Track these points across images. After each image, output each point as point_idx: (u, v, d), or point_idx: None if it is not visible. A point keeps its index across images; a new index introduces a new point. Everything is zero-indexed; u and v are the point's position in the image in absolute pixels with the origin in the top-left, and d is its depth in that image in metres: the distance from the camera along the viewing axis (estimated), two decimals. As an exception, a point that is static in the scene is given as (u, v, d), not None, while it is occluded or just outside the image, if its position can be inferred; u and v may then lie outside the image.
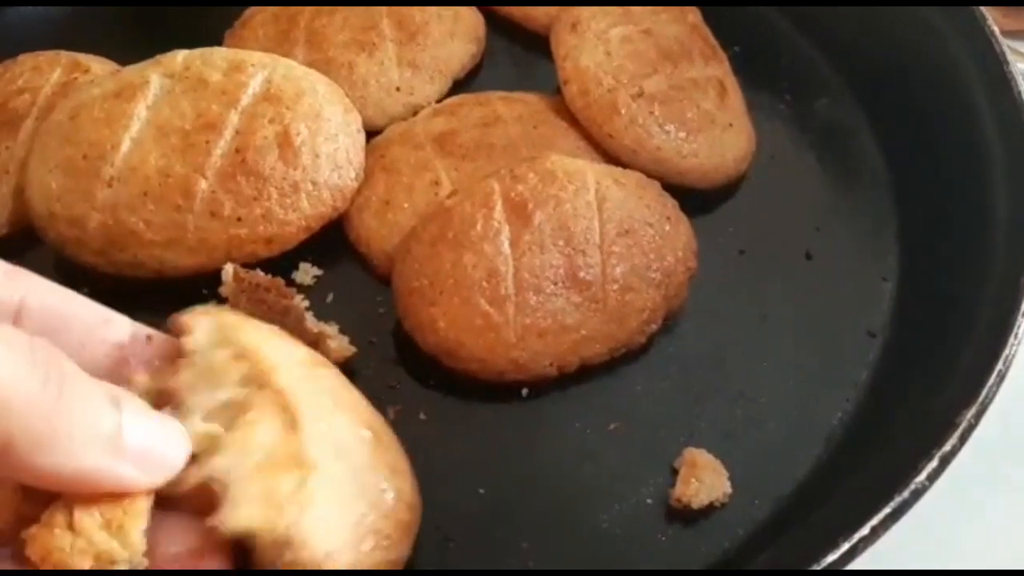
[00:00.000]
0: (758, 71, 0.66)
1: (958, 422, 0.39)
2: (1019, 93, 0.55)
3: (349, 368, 0.48)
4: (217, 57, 0.55)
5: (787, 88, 0.65)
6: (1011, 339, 0.41)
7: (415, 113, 0.61)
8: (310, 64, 0.60)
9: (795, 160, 0.62)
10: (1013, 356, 0.42)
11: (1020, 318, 0.43)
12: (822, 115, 0.64)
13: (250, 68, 0.55)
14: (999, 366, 0.40)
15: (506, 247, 0.50)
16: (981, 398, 0.40)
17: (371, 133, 0.59)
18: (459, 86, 0.64)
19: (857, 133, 0.63)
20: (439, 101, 0.62)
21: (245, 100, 0.53)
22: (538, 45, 0.65)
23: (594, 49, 0.59)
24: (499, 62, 0.67)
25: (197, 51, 0.56)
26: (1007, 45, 0.72)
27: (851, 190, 0.60)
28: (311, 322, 0.49)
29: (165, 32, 0.67)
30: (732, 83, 0.62)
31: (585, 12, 0.61)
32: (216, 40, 0.64)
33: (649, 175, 0.56)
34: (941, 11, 0.60)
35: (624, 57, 0.59)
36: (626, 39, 0.60)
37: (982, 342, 0.44)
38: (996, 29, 0.58)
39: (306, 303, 0.49)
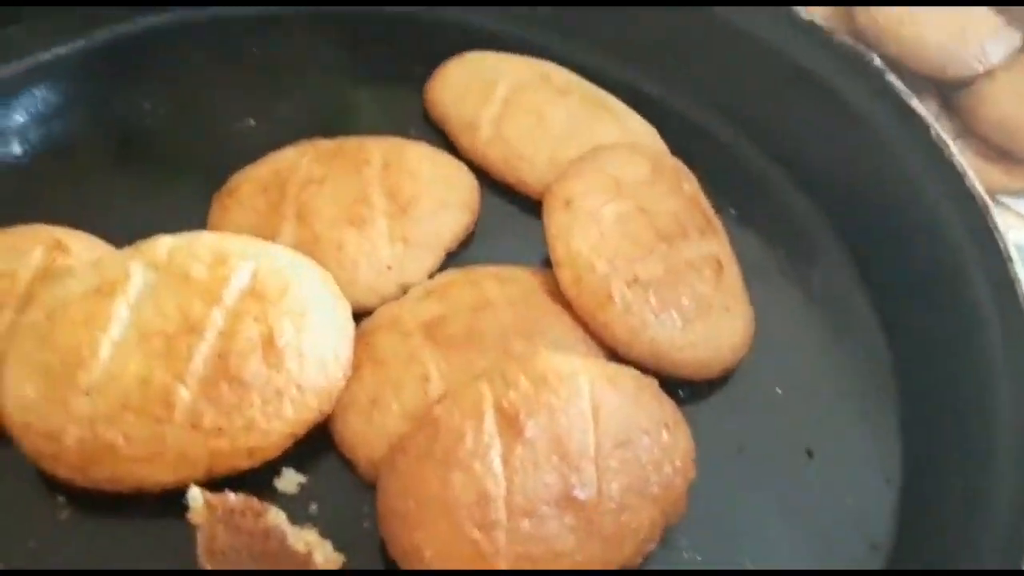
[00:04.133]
0: (756, 235, 0.65)
1: None
2: (1018, 281, 0.54)
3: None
4: (202, 247, 0.53)
5: (784, 255, 0.64)
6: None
7: (406, 291, 0.59)
8: (299, 242, 0.58)
9: (793, 339, 0.60)
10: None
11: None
12: (819, 285, 0.63)
13: (234, 261, 0.53)
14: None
15: (497, 465, 0.48)
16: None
17: (360, 313, 0.57)
18: (451, 254, 0.63)
19: (855, 306, 0.62)
20: (431, 275, 0.60)
21: (229, 297, 0.52)
22: (531, 208, 0.64)
23: (587, 230, 0.58)
24: (492, 226, 0.65)
25: (183, 239, 0.54)
26: (1007, 203, 0.72)
27: (851, 375, 0.59)
28: (294, 538, 0.47)
29: (150, 192, 0.65)
30: (728, 258, 0.61)
31: (578, 187, 0.60)
32: (203, 201, 0.63)
33: (643, 366, 0.54)
34: (935, 180, 0.59)
35: (618, 238, 0.58)
36: (620, 218, 0.59)
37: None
38: (989, 201, 0.56)
39: (284, 516, 0.48)
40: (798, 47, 0.66)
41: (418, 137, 0.69)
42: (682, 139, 0.69)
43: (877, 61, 0.63)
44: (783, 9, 0.67)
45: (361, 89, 0.74)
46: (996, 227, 0.54)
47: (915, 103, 0.60)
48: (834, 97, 0.65)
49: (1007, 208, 0.70)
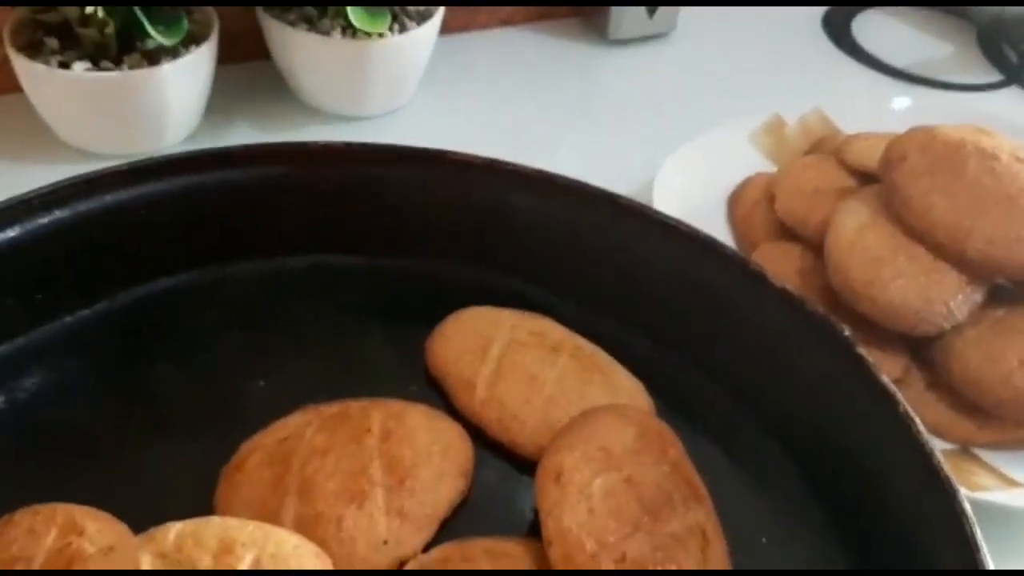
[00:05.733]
0: (739, 493, 0.68)
1: None
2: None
3: None
4: (209, 534, 0.57)
5: (765, 528, 0.67)
6: None
7: (401, 564, 0.62)
8: (300, 519, 0.61)
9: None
10: None
11: None
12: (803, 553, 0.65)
13: (239, 549, 0.56)
14: None
15: None
16: None
17: (356, 590, 0.59)
18: (446, 519, 0.65)
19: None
20: (426, 548, 0.63)
21: (233, 587, 0.54)
22: (525, 467, 0.68)
23: (577, 506, 0.61)
24: (487, 488, 0.68)
25: (190, 525, 0.57)
26: (979, 455, 0.74)
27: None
28: None
29: (163, 461, 0.68)
30: (714, 528, 0.63)
31: (568, 460, 0.63)
32: (215, 464, 0.66)
33: (631, 649, 0.56)
34: (902, 458, 0.61)
35: (606, 514, 0.61)
36: (608, 492, 0.62)
37: None
38: (958, 486, 0.58)
39: None
40: (771, 314, 0.71)
41: (419, 393, 0.74)
42: (669, 394, 0.74)
43: (847, 332, 0.67)
44: (760, 275, 0.72)
45: (366, 342, 0.79)
46: (965, 512, 0.57)
47: (884, 378, 0.64)
48: (805, 365, 0.69)
49: (978, 460, 0.73)
